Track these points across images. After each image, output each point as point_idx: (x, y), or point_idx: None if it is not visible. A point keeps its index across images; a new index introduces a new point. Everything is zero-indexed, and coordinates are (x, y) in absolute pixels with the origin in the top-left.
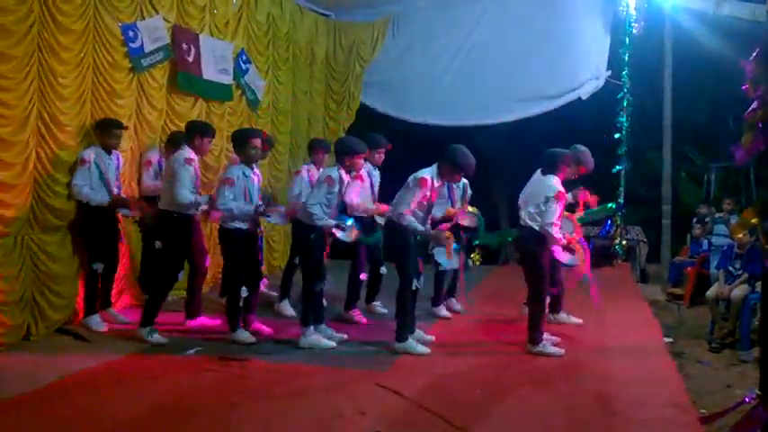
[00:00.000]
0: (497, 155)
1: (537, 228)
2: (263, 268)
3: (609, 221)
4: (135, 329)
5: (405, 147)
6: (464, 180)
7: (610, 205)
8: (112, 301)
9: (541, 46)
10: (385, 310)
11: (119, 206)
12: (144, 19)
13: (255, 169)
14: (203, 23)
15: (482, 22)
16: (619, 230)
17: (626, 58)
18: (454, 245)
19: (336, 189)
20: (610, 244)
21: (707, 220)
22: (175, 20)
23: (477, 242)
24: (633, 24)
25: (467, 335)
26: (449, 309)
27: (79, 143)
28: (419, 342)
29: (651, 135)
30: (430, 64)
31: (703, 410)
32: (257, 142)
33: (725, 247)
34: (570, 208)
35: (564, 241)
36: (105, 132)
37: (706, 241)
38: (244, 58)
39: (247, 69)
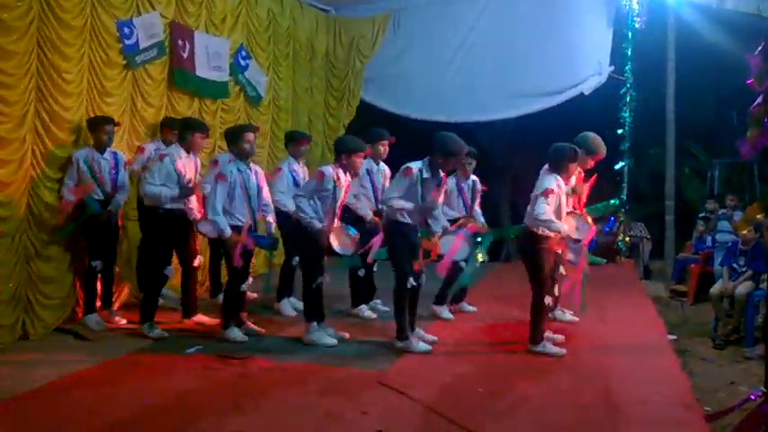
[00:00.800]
0: (499, 152)
1: (529, 223)
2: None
3: (612, 218)
4: (134, 328)
5: (405, 144)
6: (473, 177)
7: (613, 202)
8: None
9: (543, 41)
10: (387, 308)
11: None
12: (140, 15)
13: (255, 166)
14: (200, 19)
15: (483, 17)
16: (622, 227)
17: (629, 53)
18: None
19: (329, 187)
20: (613, 240)
21: (711, 216)
22: (173, 16)
23: (479, 239)
24: (636, 19)
25: (469, 333)
26: (453, 312)
27: (73, 141)
28: (421, 341)
29: (654, 131)
30: (431, 60)
31: (708, 408)
32: (251, 137)
33: (729, 244)
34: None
35: (565, 230)
36: (96, 130)
37: (710, 238)
38: (243, 53)
39: (247, 65)
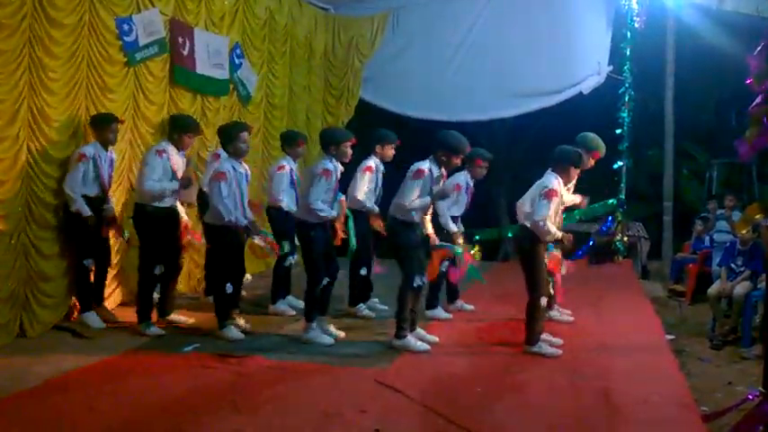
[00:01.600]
0: (498, 151)
1: (529, 225)
2: None
3: (610, 218)
4: (132, 325)
5: (404, 143)
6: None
7: (611, 201)
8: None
9: (542, 41)
10: (385, 307)
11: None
12: (140, 12)
13: (245, 165)
14: (199, 17)
15: (482, 16)
16: (620, 227)
17: (627, 53)
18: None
19: (333, 180)
20: (611, 240)
21: (709, 216)
22: (173, 13)
23: (477, 237)
24: (635, 19)
25: (467, 333)
26: (451, 311)
27: (69, 138)
28: (420, 340)
29: (653, 131)
30: (430, 59)
31: (705, 408)
32: (246, 136)
33: (727, 244)
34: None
35: (558, 234)
36: (102, 128)
37: (708, 238)
38: (238, 52)
39: (240, 64)
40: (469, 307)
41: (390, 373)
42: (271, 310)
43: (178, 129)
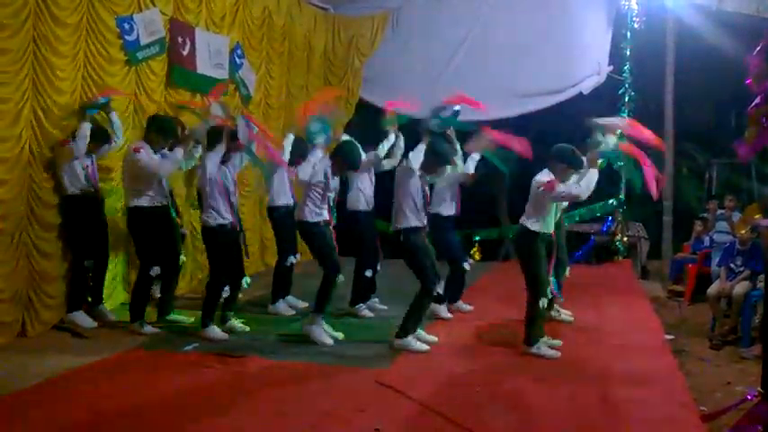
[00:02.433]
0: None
1: (529, 226)
2: None
3: (610, 218)
4: (126, 326)
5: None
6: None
7: (611, 202)
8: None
9: (542, 41)
10: (385, 307)
11: None
12: (141, 11)
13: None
14: (200, 17)
15: (482, 17)
16: (620, 227)
17: (627, 53)
18: None
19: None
20: (611, 240)
21: (708, 217)
22: (173, 13)
23: (478, 237)
24: (635, 19)
25: (466, 333)
26: (450, 311)
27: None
28: (419, 341)
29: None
30: (430, 59)
31: (704, 408)
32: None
33: (726, 244)
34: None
35: (589, 182)
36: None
37: (708, 238)
38: (239, 52)
39: (242, 64)
40: (468, 307)
41: (389, 374)
42: (270, 309)
43: (155, 129)
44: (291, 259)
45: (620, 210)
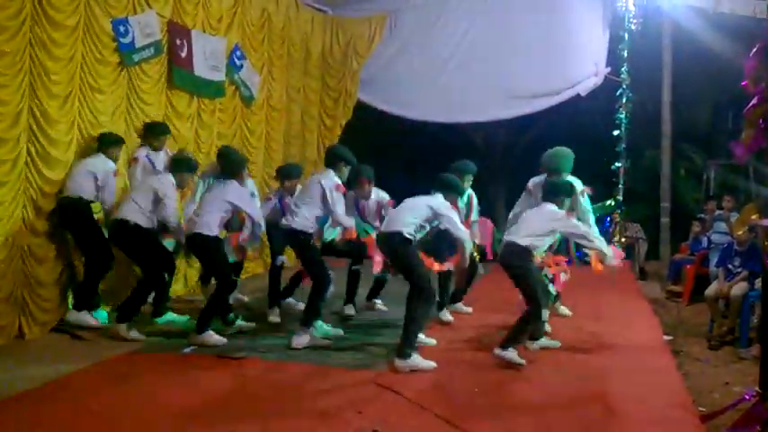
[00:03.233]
0: (495, 152)
1: (522, 243)
2: None
3: (608, 219)
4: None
5: (402, 144)
6: (469, 191)
7: (609, 203)
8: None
9: (540, 43)
10: (385, 308)
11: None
12: (136, 14)
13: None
14: (197, 19)
15: (480, 18)
16: (618, 228)
17: (625, 54)
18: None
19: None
20: (609, 241)
21: (706, 217)
22: (170, 15)
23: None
24: (632, 21)
25: (465, 334)
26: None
27: (70, 141)
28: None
29: (650, 132)
30: (427, 61)
31: (702, 408)
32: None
33: (724, 245)
34: None
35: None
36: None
37: (705, 239)
38: (238, 53)
39: (242, 65)
40: (467, 309)
41: (388, 375)
42: (269, 312)
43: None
44: (281, 259)
45: (619, 211)
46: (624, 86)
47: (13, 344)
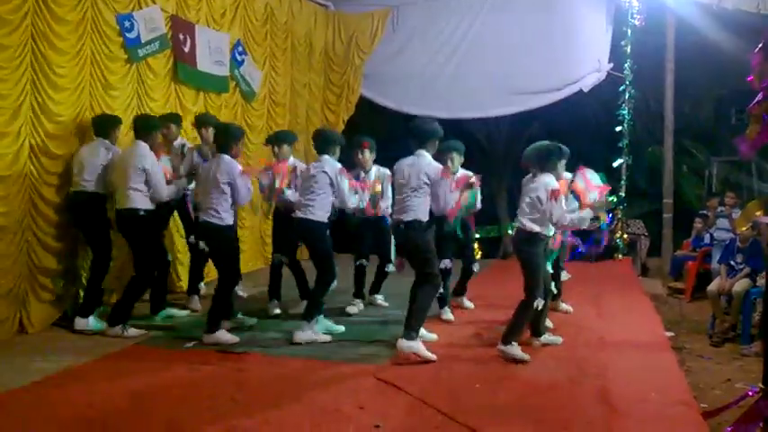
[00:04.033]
0: (497, 146)
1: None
2: None
3: (610, 215)
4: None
5: (404, 139)
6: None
7: (611, 199)
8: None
9: (543, 38)
10: (386, 304)
11: None
12: (141, 9)
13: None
14: (200, 14)
15: (483, 13)
16: (620, 224)
17: (628, 50)
18: None
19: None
20: (611, 238)
21: (708, 214)
22: (174, 10)
23: (478, 235)
24: (635, 16)
25: (466, 330)
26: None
27: (74, 135)
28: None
29: (653, 128)
30: (430, 56)
31: (704, 405)
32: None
33: (727, 242)
34: None
35: (584, 215)
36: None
37: (708, 235)
38: (240, 49)
39: (243, 61)
40: (469, 304)
41: (389, 370)
42: (269, 305)
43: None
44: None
45: (621, 207)
46: (627, 82)
47: (14, 338)
